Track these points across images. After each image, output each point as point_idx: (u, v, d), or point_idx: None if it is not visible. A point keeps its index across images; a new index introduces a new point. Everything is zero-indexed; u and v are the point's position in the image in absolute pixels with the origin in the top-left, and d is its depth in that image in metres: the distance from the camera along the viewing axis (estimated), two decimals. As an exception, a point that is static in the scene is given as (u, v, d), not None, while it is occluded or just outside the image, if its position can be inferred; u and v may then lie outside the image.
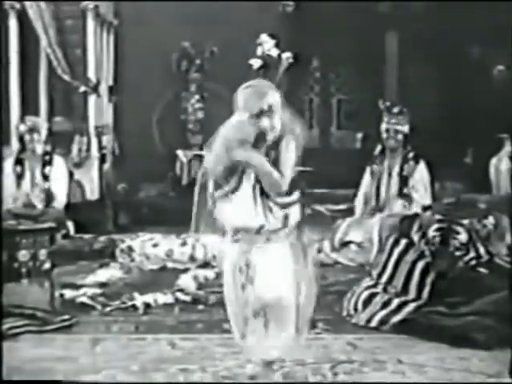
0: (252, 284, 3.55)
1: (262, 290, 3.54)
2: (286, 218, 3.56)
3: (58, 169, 6.97)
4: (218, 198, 3.56)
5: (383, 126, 6.42)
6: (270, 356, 3.69)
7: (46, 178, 6.88)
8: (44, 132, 6.93)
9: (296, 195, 3.61)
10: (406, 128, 6.39)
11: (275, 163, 3.51)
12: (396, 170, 6.50)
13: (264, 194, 3.51)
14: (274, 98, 3.50)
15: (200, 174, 3.77)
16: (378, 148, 6.62)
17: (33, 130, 6.85)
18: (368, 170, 6.67)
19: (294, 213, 3.61)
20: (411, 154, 6.44)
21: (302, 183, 3.61)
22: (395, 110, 6.48)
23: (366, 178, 6.72)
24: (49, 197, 6.83)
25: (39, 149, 6.86)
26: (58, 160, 7.02)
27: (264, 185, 3.48)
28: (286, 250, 3.60)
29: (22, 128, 7.00)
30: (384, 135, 6.44)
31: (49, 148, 7.04)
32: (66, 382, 3.96)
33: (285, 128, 3.54)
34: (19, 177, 6.85)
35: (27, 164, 6.90)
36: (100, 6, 9.17)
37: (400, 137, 6.40)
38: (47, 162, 6.89)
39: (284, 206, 3.55)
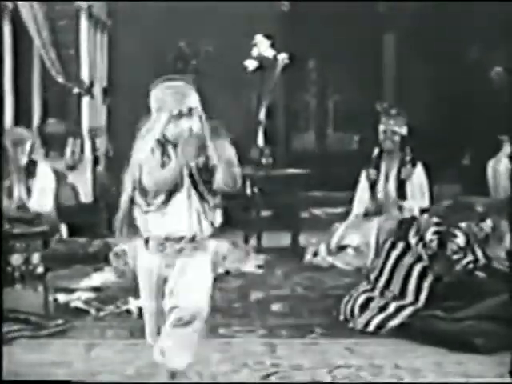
0: (173, 295, 3.47)
1: (188, 302, 3.47)
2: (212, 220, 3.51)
3: (42, 180, 6.84)
4: (147, 210, 3.45)
5: (380, 128, 6.40)
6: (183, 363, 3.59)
7: (28, 191, 6.75)
8: (29, 143, 6.81)
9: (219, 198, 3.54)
10: (403, 130, 6.37)
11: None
12: (393, 173, 6.49)
13: (202, 199, 3.43)
14: (195, 101, 3.47)
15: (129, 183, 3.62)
16: (376, 151, 6.60)
17: (16, 143, 6.74)
18: (364, 173, 6.65)
19: (218, 216, 3.57)
20: (408, 157, 6.42)
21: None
22: (393, 111, 6.46)
23: (362, 182, 6.70)
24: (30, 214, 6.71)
25: (23, 160, 6.74)
26: (42, 169, 6.87)
27: (224, 177, 3.38)
28: (207, 260, 3.56)
29: (5, 142, 6.85)
30: (381, 136, 6.43)
31: (35, 157, 6.92)
32: (75, 383, 3.94)
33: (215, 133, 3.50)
34: (8, 190, 6.75)
35: (13, 178, 6.77)
36: (93, 6, 9.13)
37: (397, 138, 6.38)
38: (31, 173, 6.77)
39: (215, 207, 3.50)
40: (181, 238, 3.43)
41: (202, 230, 3.45)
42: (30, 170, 6.77)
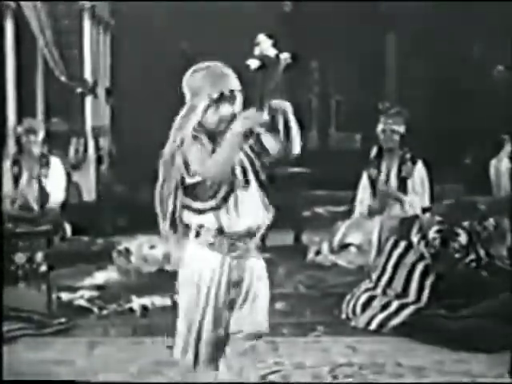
0: (244, 303, 3.02)
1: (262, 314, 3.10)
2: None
3: (55, 170, 6.95)
4: (203, 209, 2.94)
5: (379, 127, 6.40)
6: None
7: (42, 179, 6.85)
8: (41, 133, 6.89)
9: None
10: (402, 128, 6.37)
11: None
12: (394, 171, 6.48)
13: (261, 185, 3.01)
14: (236, 82, 3.06)
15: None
16: (374, 150, 6.60)
17: (30, 131, 6.82)
18: (365, 173, 6.65)
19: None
20: (408, 155, 6.42)
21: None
22: (391, 110, 6.46)
23: (363, 181, 6.69)
24: (45, 198, 6.80)
25: (36, 150, 6.83)
26: (55, 161, 6.99)
27: (273, 145, 3.02)
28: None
29: (19, 130, 6.98)
30: (380, 136, 6.42)
31: (46, 149, 7.01)
32: (80, 382, 3.95)
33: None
34: (16, 179, 6.82)
35: (24, 166, 6.87)
36: (96, 6, 9.14)
37: (396, 137, 6.38)
38: (44, 164, 6.86)
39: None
40: (250, 234, 2.98)
41: (265, 223, 3.01)
42: (42, 161, 6.83)
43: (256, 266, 3.06)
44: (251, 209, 2.98)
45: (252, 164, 3.04)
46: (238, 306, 3.01)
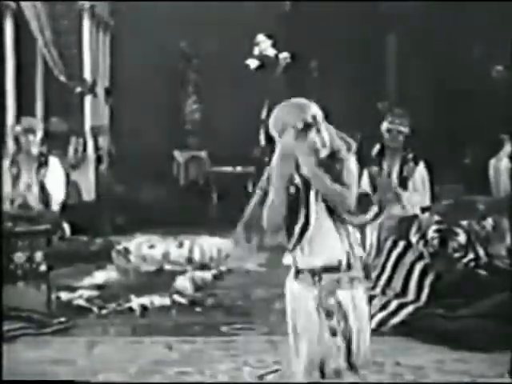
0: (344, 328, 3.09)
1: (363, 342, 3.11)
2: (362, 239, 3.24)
3: (54, 170, 6.94)
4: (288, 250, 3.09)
5: (385, 126, 6.37)
6: None
7: (42, 179, 6.85)
8: (40, 133, 6.89)
9: (372, 212, 3.31)
10: (407, 129, 6.36)
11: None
12: (395, 170, 6.47)
13: (343, 221, 3.06)
14: (318, 110, 3.09)
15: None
16: (377, 148, 6.59)
17: (28, 131, 6.81)
18: (366, 171, 6.64)
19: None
20: (410, 155, 6.41)
21: (378, 200, 3.29)
22: (398, 110, 6.45)
23: (365, 180, 6.68)
24: (45, 197, 6.80)
25: (35, 150, 6.83)
26: (53, 161, 6.99)
27: (331, 200, 3.05)
28: (365, 297, 3.18)
29: (18, 129, 6.97)
30: (386, 135, 6.40)
31: (44, 149, 7.00)
32: (79, 382, 3.95)
33: (334, 145, 3.14)
34: (15, 178, 6.82)
35: (23, 165, 6.87)
36: (96, 6, 9.15)
37: (401, 138, 6.36)
38: (43, 163, 6.86)
39: (361, 226, 3.33)
40: (329, 270, 3.08)
41: (353, 255, 3.09)
42: (41, 160, 6.83)
43: (347, 299, 3.11)
44: (324, 246, 3.08)
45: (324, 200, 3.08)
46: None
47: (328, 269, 3.08)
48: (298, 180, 3.06)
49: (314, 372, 3.11)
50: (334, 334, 3.08)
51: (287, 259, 3.15)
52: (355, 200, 3.08)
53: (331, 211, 3.08)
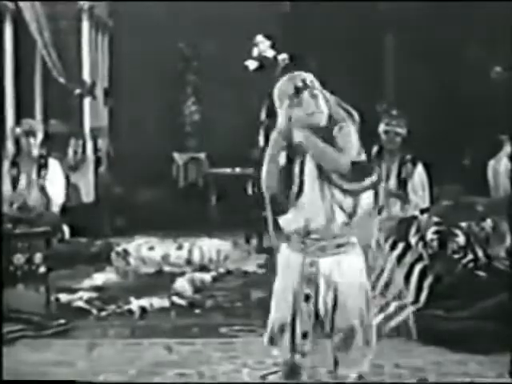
0: (317, 297, 3.31)
1: (342, 314, 3.30)
2: (354, 207, 3.27)
3: (54, 171, 6.95)
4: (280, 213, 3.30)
5: (382, 128, 6.37)
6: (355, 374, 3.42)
7: (41, 181, 6.85)
8: (40, 135, 6.90)
9: (368, 180, 3.29)
10: (404, 131, 6.37)
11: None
12: (394, 172, 6.47)
13: (331, 183, 3.24)
14: (307, 76, 3.34)
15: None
16: (375, 149, 6.59)
17: (29, 133, 6.82)
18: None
19: (366, 201, 3.31)
20: (409, 156, 6.41)
21: (374, 169, 3.38)
22: (395, 112, 6.45)
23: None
24: (45, 199, 6.80)
25: (35, 152, 6.83)
26: (53, 163, 6.99)
27: (325, 164, 3.22)
28: (360, 261, 3.35)
29: (18, 131, 6.97)
30: (383, 137, 6.40)
31: (44, 151, 7.01)
32: (80, 383, 3.96)
33: (338, 115, 3.34)
34: (15, 180, 6.82)
35: (22, 167, 6.87)
36: (95, 7, 9.15)
37: (399, 139, 6.37)
38: (43, 165, 6.86)
39: (354, 193, 3.26)
40: (315, 231, 3.27)
41: (333, 220, 3.25)
42: (41, 162, 6.83)
43: (333, 265, 3.30)
44: (310, 210, 3.24)
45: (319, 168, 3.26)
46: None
47: (312, 234, 3.28)
48: (293, 149, 3.28)
49: (285, 333, 3.34)
50: (307, 300, 3.29)
51: (282, 221, 3.33)
52: (349, 165, 3.21)
53: (322, 176, 3.26)
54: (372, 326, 3.41)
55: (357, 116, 3.39)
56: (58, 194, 6.89)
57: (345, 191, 3.25)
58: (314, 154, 3.25)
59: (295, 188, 3.25)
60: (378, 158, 6.53)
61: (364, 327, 3.35)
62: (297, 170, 3.27)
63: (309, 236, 3.28)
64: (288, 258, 3.37)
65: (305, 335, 3.34)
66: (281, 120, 3.29)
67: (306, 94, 3.27)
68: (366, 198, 3.31)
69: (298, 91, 3.25)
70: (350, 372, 3.41)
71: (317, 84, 3.34)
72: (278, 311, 3.40)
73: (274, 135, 3.29)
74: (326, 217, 3.24)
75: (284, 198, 3.26)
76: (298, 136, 3.25)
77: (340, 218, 3.25)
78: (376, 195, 3.31)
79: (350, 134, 3.27)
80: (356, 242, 3.35)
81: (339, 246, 3.29)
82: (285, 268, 3.39)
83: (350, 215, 3.27)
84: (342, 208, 3.25)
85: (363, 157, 3.31)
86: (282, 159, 3.29)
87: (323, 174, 3.25)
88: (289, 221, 3.30)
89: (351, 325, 3.32)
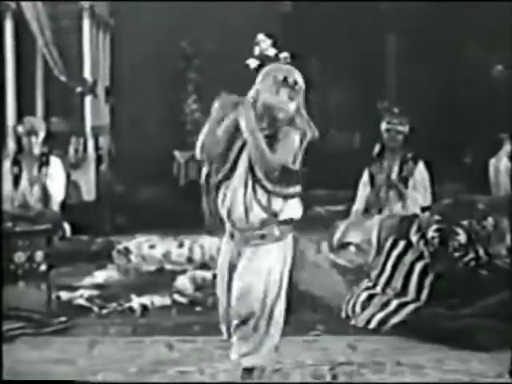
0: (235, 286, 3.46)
1: (244, 298, 3.43)
2: (280, 210, 3.37)
3: (55, 169, 6.95)
4: (214, 184, 3.43)
5: (384, 126, 6.38)
6: (250, 363, 3.52)
7: (42, 178, 6.86)
8: (42, 133, 6.90)
9: (298, 188, 3.41)
10: (406, 129, 6.37)
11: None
12: (395, 170, 6.48)
13: (256, 180, 3.35)
14: (301, 82, 3.43)
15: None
16: (377, 148, 6.59)
17: (31, 131, 6.82)
18: (366, 171, 6.65)
19: (294, 207, 3.44)
20: (410, 155, 6.42)
21: (300, 180, 3.46)
22: (396, 110, 6.45)
23: (364, 178, 6.68)
24: (46, 197, 6.80)
25: (36, 150, 6.83)
26: (54, 161, 7.00)
27: (254, 157, 3.32)
28: (276, 251, 3.45)
29: (20, 129, 6.97)
30: (385, 135, 6.41)
31: (46, 149, 7.01)
32: (79, 383, 3.95)
33: (293, 122, 3.41)
34: (16, 178, 6.82)
35: (24, 165, 6.87)
36: (96, 6, 9.15)
37: (400, 137, 6.38)
38: (44, 163, 6.86)
39: (284, 197, 3.37)
40: (236, 222, 3.38)
41: (248, 214, 3.36)
42: (42, 160, 6.83)
43: (250, 254, 3.42)
44: (234, 199, 3.35)
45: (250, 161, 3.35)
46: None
47: (235, 224, 3.38)
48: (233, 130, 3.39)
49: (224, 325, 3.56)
50: (228, 288, 3.50)
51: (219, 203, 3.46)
52: (277, 167, 3.29)
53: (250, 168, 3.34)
54: (274, 316, 3.45)
55: (316, 135, 3.45)
56: (58, 192, 6.89)
57: (268, 192, 3.34)
58: (248, 142, 3.32)
59: (227, 167, 3.37)
60: (381, 156, 6.54)
61: (264, 315, 3.42)
62: (234, 150, 3.37)
63: (234, 226, 3.40)
64: (223, 246, 3.55)
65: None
66: (252, 93, 3.43)
67: (287, 90, 3.35)
68: (293, 205, 3.40)
69: (284, 83, 3.33)
70: (244, 361, 3.48)
71: (301, 95, 3.42)
72: (219, 301, 3.63)
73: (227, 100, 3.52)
74: (245, 210, 3.34)
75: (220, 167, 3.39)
76: (243, 118, 3.35)
77: (259, 214, 3.35)
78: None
79: (292, 141, 3.35)
80: (279, 234, 3.41)
81: (262, 236, 3.39)
82: (221, 255, 3.57)
83: (274, 214, 3.35)
84: (261, 206, 3.34)
85: (296, 167, 3.39)
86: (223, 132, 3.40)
87: (252, 168, 3.34)
88: (219, 204, 3.43)
89: (250, 310, 3.41)
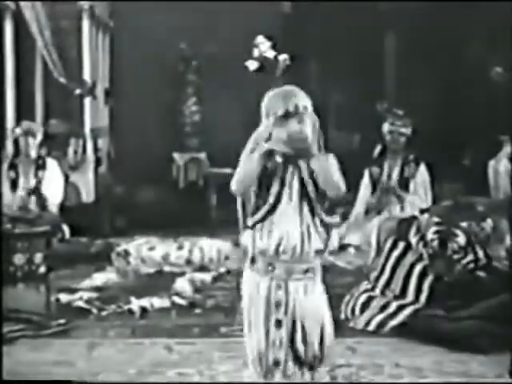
0: (290, 322, 3.13)
1: (310, 336, 3.15)
2: (327, 240, 3.14)
3: (52, 171, 6.95)
4: (250, 224, 3.11)
5: (386, 128, 6.37)
6: None
7: (39, 181, 6.86)
8: (39, 136, 6.90)
9: (338, 217, 3.21)
10: (409, 131, 6.37)
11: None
12: (396, 171, 6.48)
13: (311, 207, 3.10)
14: (304, 100, 3.12)
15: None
16: (378, 149, 6.59)
17: (28, 134, 6.82)
18: (367, 172, 6.65)
19: (333, 238, 3.36)
20: (412, 156, 6.42)
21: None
22: (400, 112, 6.46)
23: (365, 180, 6.69)
24: (42, 200, 6.81)
25: (33, 153, 6.84)
26: (51, 163, 7.00)
27: (325, 182, 3.06)
28: (322, 291, 3.21)
29: (18, 132, 6.98)
30: (387, 137, 6.41)
31: (43, 152, 7.01)
32: (77, 383, 3.95)
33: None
34: (13, 182, 6.82)
35: (21, 168, 6.87)
36: (96, 7, 9.15)
37: (403, 139, 6.38)
38: (41, 166, 6.87)
39: (328, 226, 3.13)
40: (286, 253, 3.09)
41: (310, 245, 3.09)
42: (39, 163, 6.84)
43: (300, 290, 3.15)
44: (283, 230, 3.07)
45: (302, 184, 3.10)
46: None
47: (282, 257, 3.08)
48: (279, 159, 3.08)
49: (259, 366, 3.16)
50: (278, 325, 3.11)
51: (245, 238, 3.16)
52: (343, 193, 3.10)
53: (304, 196, 3.08)
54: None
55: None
56: (55, 194, 6.89)
57: (321, 221, 3.12)
58: (318, 172, 3.07)
59: (270, 201, 3.08)
60: (381, 158, 6.54)
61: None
62: (276, 184, 3.09)
63: (278, 257, 3.10)
64: (254, 283, 3.17)
65: (276, 363, 3.15)
66: (262, 129, 3.12)
67: (294, 119, 3.07)
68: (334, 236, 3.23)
69: (286, 115, 3.06)
70: None
71: (310, 109, 3.14)
72: (253, 340, 3.22)
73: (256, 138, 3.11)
74: (302, 239, 3.09)
75: (254, 208, 3.11)
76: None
77: (315, 244, 3.11)
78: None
79: (335, 164, 3.14)
80: (319, 267, 3.20)
81: (306, 271, 3.14)
82: (252, 293, 3.18)
83: (325, 245, 3.13)
84: (319, 234, 3.11)
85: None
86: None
87: (306, 196, 3.10)
88: (256, 238, 3.12)
89: (315, 354, 3.19)
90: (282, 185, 3.10)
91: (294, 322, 3.14)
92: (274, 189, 3.09)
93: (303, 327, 3.14)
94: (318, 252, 3.13)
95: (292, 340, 3.15)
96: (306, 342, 3.14)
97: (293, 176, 3.11)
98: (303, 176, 3.10)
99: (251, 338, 3.21)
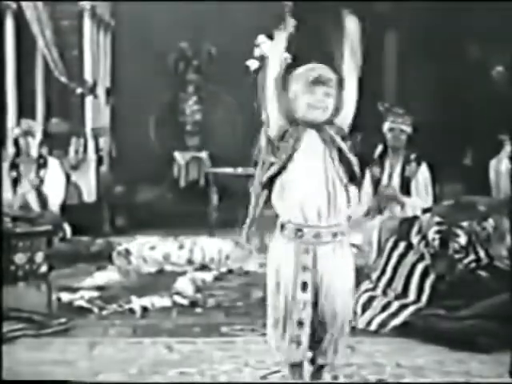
0: (315, 286, 3.20)
1: (330, 304, 3.23)
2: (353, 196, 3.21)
3: (53, 171, 6.95)
4: (269, 177, 3.22)
5: (387, 125, 6.36)
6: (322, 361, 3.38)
7: (41, 181, 6.86)
8: (39, 135, 6.90)
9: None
10: (409, 128, 6.36)
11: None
12: (397, 170, 6.46)
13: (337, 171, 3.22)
14: (332, 75, 3.33)
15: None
16: (379, 148, 6.58)
17: (28, 133, 6.82)
18: (368, 171, 6.64)
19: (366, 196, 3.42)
20: (413, 155, 6.40)
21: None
22: (400, 110, 6.44)
23: (367, 180, 6.68)
24: (43, 200, 6.81)
25: (34, 151, 6.83)
26: (53, 162, 6.99)
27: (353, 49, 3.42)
28: (351, 255, 3.33)
29: (17, 131, 6.98)
30: (388, 135, 6.39)
31: (44, 151, 7.01)
32: (75, 383, 3.95)
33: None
34: (15, 180, 6.83)
35: (22, 168, 6.87)
36: (97, 7, 9.16)
37: (404, 137, 6.36)
38: (42, 166, 6.87)
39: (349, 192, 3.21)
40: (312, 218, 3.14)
41: (335, 203, 3.15)
42: (40, 162, 6.84)
43: (328, 255, 3.21)
44: (307, 193, 3.14)
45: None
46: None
47: (309, 222, 3.14)
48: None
49: (282, 327, 3.22)
50: (304, 288, 3.18)
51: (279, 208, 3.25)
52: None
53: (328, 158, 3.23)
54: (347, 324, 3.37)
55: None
56: (57, 194, 6.89)
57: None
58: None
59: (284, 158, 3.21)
60: (383, 157, 6.53)
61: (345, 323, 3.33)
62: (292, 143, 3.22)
63: (306, 222, 3.16)
64: (283, 246, 3.23)
65: (300, 323, 3.21)
66: (290, 94, 3.29)
67: (322, 89, 3.27)
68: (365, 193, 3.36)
69: (317, 82, 3.26)
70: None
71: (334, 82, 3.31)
72: (279, 302, 3.24)
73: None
74: (327, 201, 3.14)
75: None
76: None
77: (342, 199, 3.17)
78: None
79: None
80: (347, 232, 3.29)
81: (335, 234, 3.21)
82: (280, 256, 3.23)
83: (349, 200, 3.20)
84: (348, 195, 3.18)
85: None
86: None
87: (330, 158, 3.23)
88: (285, 208, 3.22)
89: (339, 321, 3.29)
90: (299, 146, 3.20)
91: (319, 286, 3.21)
92: (289, 148, 3.20)
93: (328, 290, 3.21)
94: (345, 215, 3.20)
95: (316, 303, 3.22)
96: (329, 306, 3.22)
97: (315, 138, 3.26)
98: (325, 138, 3.28)
99: (278, 299, 3.22)
